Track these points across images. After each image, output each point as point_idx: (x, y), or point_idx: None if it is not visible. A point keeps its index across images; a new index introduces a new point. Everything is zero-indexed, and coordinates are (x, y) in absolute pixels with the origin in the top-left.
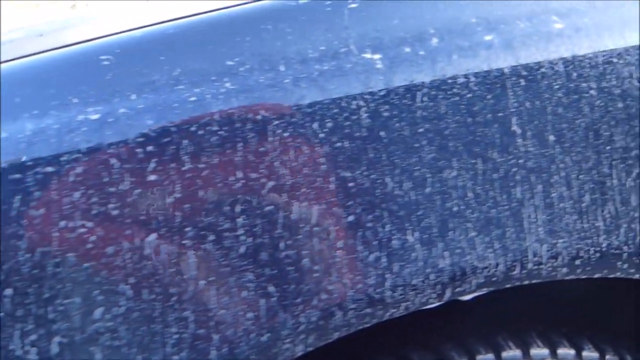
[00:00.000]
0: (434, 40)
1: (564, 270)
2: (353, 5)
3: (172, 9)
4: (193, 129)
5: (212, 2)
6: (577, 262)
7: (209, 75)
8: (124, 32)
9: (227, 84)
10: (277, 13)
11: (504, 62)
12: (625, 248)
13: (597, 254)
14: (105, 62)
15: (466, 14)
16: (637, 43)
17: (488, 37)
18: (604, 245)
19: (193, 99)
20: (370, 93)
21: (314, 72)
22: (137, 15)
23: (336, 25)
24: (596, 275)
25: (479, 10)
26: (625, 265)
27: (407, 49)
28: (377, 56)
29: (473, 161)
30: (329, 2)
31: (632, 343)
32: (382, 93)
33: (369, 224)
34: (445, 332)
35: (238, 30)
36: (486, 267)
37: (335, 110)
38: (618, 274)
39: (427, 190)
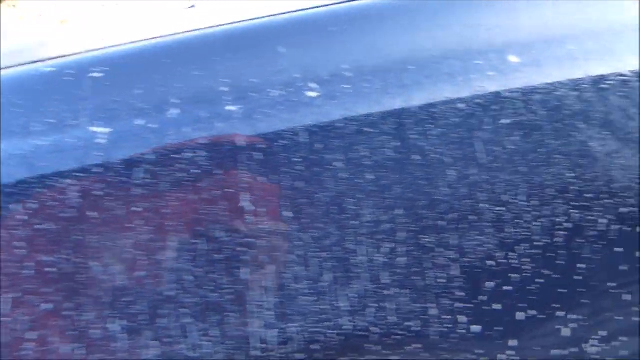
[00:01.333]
0: (174, 111)
1: (300, 356)
2: (96, 75)
3: None
4: None
5: None
6: (315, 346)
7: None
8: None
9: None
10: (13, 82)
11: (240, 133)
12: (374, 329)
13: (341, 337)
14: None
15: (219, 82)
16: (397, 107)
17: (231, 108)
18: (347, 327)
19: None
20: (84, 170)
21: (31, 149)
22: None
23: (74, 96)
24: None
25: (235, 77)
26: (379, 348)
27: (140, 122)
28: (105, 130)
29: (193, 241)
30: (71, 72)
31: None
32: (96, 170)
33: (67, 312)
34: None
35: None
36: (200, 357)
37: (40, 190)
38: (369, 357)
39: (137, 274)
